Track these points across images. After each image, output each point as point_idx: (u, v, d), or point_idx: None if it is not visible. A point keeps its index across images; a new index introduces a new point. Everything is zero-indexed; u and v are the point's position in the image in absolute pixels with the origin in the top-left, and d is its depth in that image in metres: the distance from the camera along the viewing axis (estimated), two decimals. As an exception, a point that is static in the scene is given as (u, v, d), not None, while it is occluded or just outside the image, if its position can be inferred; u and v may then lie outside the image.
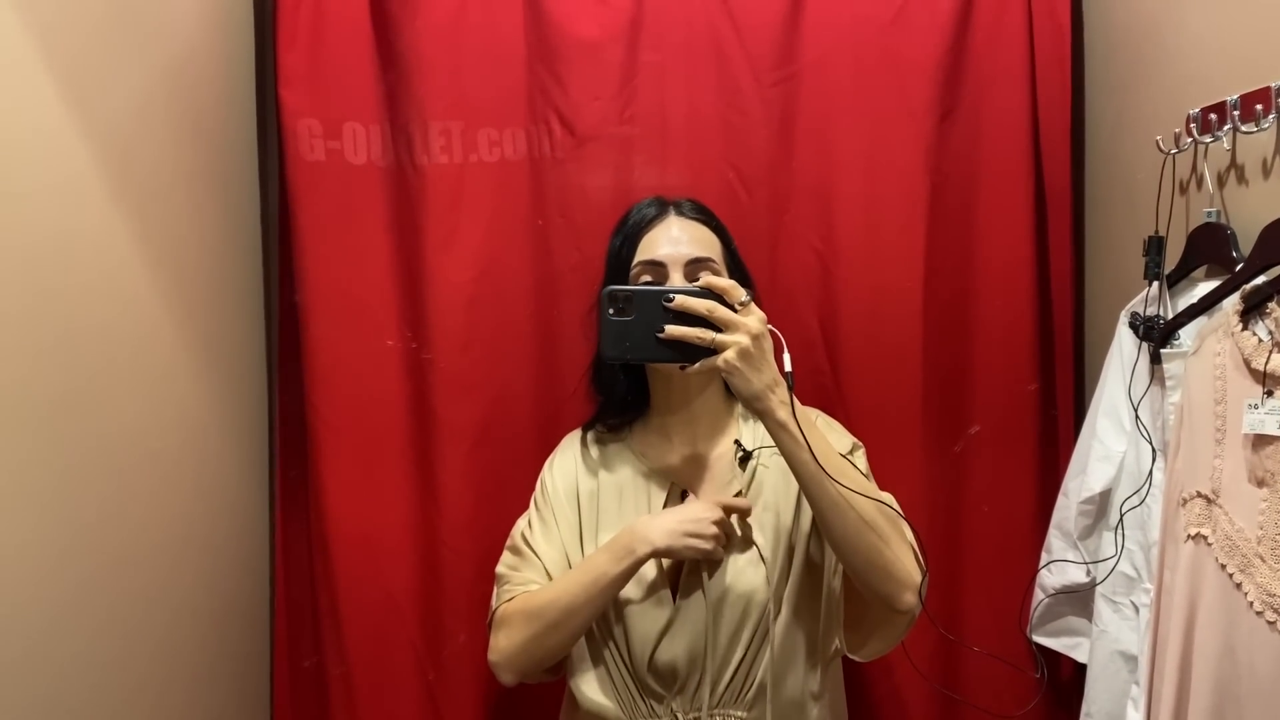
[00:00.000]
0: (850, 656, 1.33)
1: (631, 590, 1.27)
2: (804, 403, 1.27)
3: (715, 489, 1.34)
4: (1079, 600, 1.52)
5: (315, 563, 1.63)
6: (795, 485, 1.22)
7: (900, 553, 1.21)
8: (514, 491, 1.51)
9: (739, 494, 1.31)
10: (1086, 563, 1.47)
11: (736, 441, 1.35)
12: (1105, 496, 1.44)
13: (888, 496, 1.26)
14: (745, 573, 1.28)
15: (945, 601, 1.64)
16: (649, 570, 1.27)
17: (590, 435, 1.42)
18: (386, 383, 1.61)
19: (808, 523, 1.30)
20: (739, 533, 1.30)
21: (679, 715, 1.28)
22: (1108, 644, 1.42)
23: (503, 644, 1.31)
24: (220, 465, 1.48)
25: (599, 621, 1.29)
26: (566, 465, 1.40)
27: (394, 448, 1.61)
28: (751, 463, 1.33)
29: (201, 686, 1.39)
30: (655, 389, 1.38)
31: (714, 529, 1.24)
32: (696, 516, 1.25)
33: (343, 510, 1.60)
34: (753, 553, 1.29)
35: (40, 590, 1.04)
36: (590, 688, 1.30)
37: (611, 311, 1.17)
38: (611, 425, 1.41)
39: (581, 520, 1.35)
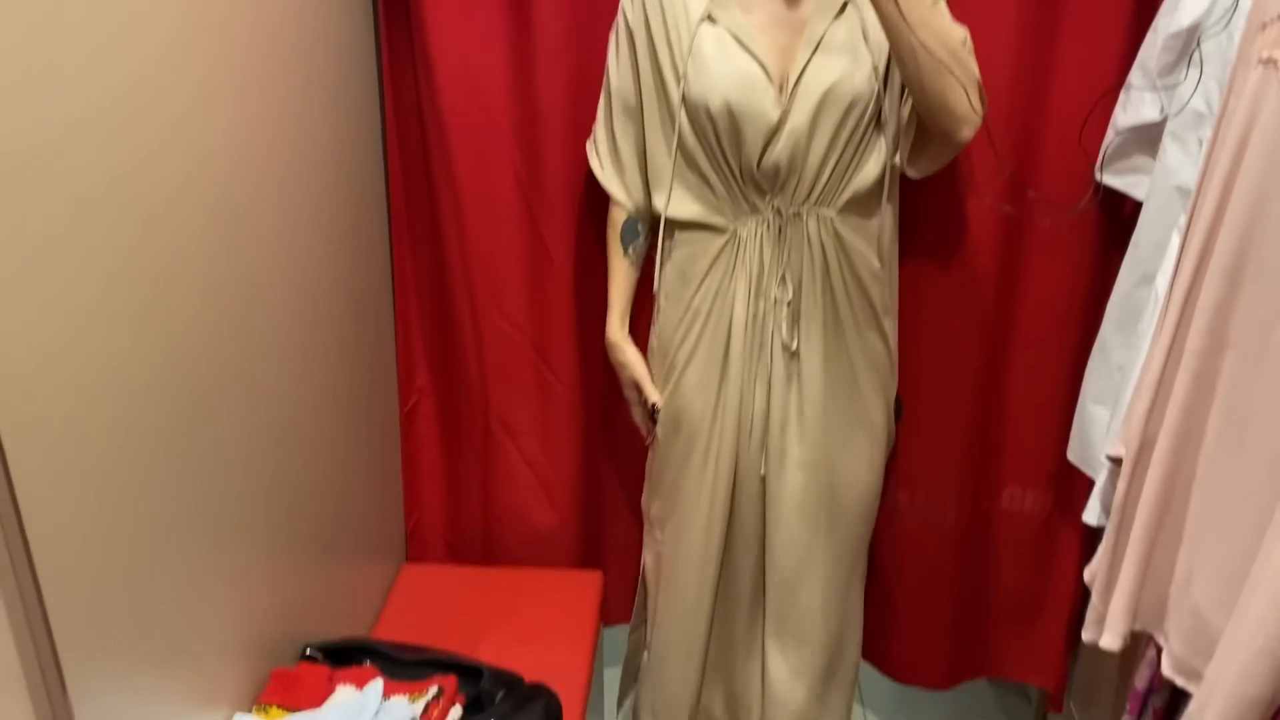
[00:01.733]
0: (905, 172, 1.55)
1: (740, 93, 1.46)
2: None
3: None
4: (1148, 140, 1.55)
5: (422, 93, 1.74)
6: None
7: (966, 92, 1.43)
8: (603, 22, 1.60)
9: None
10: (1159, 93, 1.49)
11: None
12: (1193, 31, 1.43)
13: (961, 34, 1.43)
14: (853, 76, 1.46)
15: (1019, 141, 1.69)
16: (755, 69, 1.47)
17: None
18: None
19: None
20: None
21: (780, 211, 1.51)
22: (1168, 179, 1.48)
23: None
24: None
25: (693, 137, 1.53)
26: None
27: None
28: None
29: (325, 208, 1.57)
30: None
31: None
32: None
33: (445, 42, 1.69)
34: (858, 57, 1.47)
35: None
36: (683, 207, 1.56)
37: None
38: None
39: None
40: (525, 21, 1.69)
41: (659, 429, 1.70)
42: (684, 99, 1.50)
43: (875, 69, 1.47)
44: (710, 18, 1.48)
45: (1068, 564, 1.95)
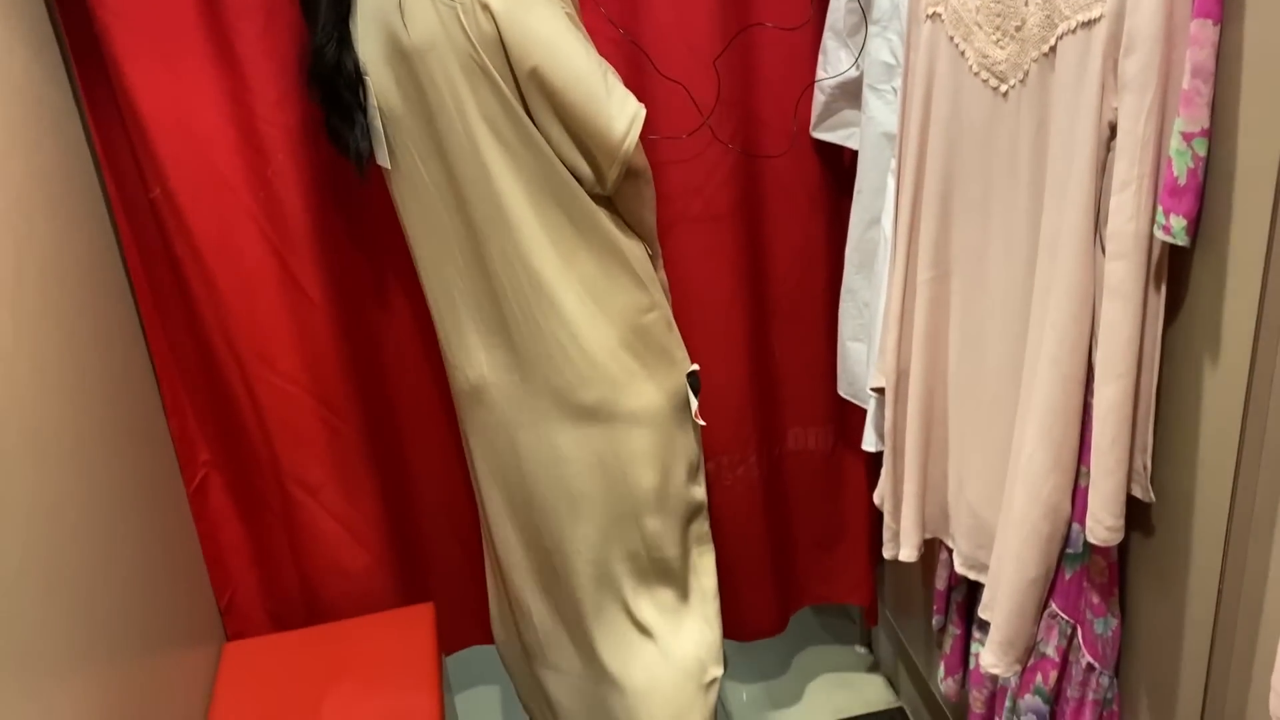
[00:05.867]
0: None
1: None
2: None
3: None
4: (851, 95, 1.69)
5: (142, 164, 1.66)
6: None
7: None
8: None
9: None
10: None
11: None
12: (868, -6, 1.57)
13: None
14: None
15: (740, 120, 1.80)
16: None
17: None
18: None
19: None
20: None
21: None
22: (875, 128, 1.62)
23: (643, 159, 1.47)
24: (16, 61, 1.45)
25: None
26: None
27: (186, 23, 1.60)
28: None
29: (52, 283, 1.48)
30: None
31: None
32: None
33: (155, 105, 1.62)
34: None
35: None
36: None
37: None
38: None
39: None
40: (232, 63, 1.63)
41: None
42: None
43: None
44: None
45: (858, 489, 2.11)
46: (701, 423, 1.63)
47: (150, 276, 1.74)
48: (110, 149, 1.67)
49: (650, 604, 1.64)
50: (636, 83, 1.71)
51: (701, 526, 1.68)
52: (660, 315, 1.57)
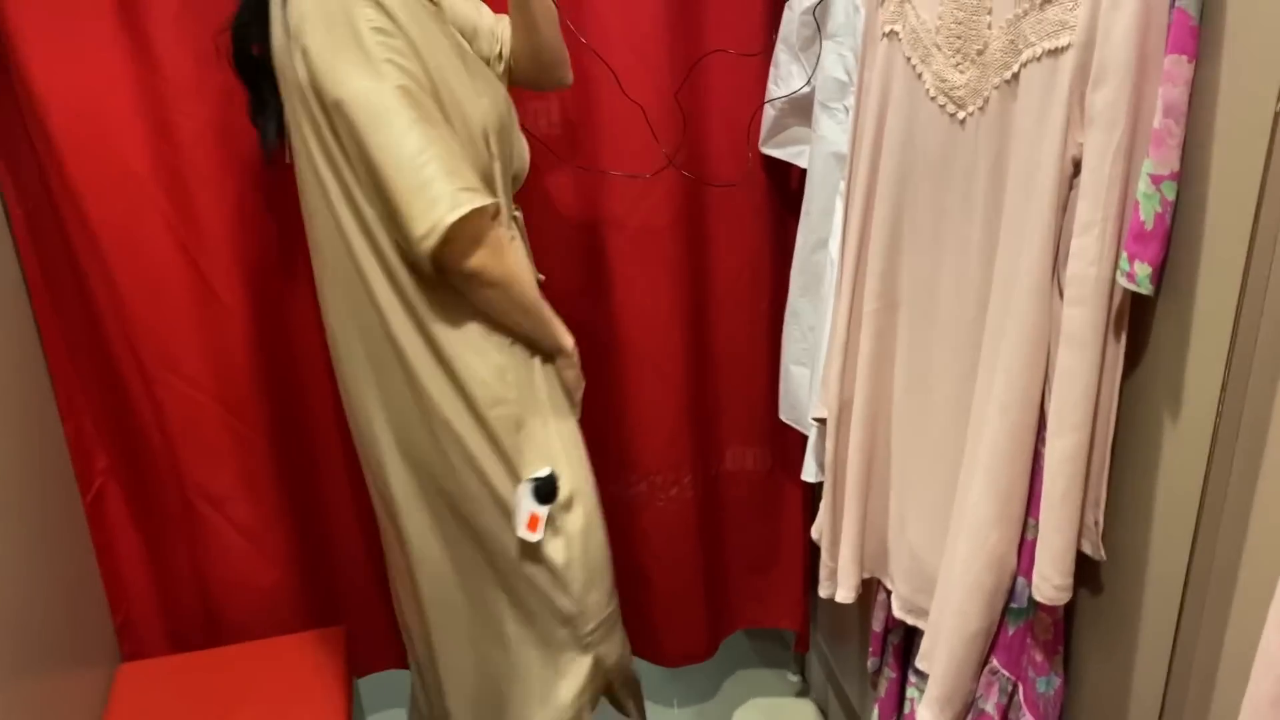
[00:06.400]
0: None
1: None
2: None
3: None
4: (802, 111, 1.62)
5: (39, 152, 1.54)
6: None
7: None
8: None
9: None
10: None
11: None
12: (824, 6, 1.50)
13: None
14: None
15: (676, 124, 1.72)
16: None
17: None
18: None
19: None
20: None
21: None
22: (825, 147, 1.55)
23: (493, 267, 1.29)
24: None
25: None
26: None
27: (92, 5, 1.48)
28: None
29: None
30: None
31: None
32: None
33: (54, 91, 1.50)
34: None
35: None
36: None
37: None
38: None
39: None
40: (143, 49, 1.52)
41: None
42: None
43: None
44: None
45: (794, 512, 2.05)
46: (532, 536, 1.37)
47: (46, 270, 1.62)
48: (4, 131, 1.54)
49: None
50: (593, 108, 1.65)
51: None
52: (508, 413, 1.36)
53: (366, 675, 1.97)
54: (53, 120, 1.51)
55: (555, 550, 1.40)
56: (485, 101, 1.32)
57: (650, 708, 1.77)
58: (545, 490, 1.37)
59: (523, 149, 1.45)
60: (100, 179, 1.56)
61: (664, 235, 1.76)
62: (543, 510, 1.36)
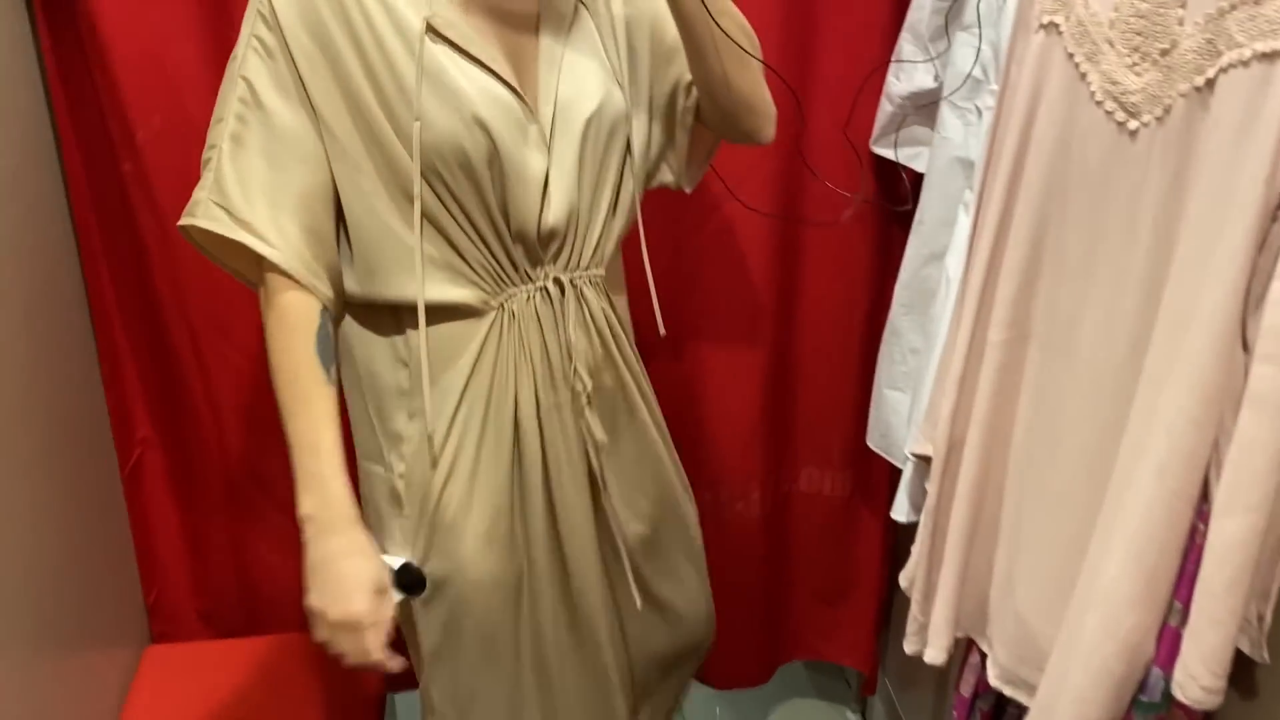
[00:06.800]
0: (683, 189, 1.31)
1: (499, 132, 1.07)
2: None
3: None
4: (925, 109, 1.46)
5: (102, 97, 1.44)
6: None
7: (764, 85, 1.21)
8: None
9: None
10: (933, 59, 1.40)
11: None
12: (963, -9, 1.34)
13: (747, 24, 1.18)
14: (612, 95, 1.15)
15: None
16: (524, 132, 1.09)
17: None
18: None
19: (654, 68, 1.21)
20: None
21: (557, 280, 1.15)
22: (948, 151, 1.40)
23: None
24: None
25: (446, 208, 1.09)
26: None
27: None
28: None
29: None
30: None
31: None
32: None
33: (121, 37, 1.40)
34: (606, 70, 1.16)
35: None
36: (440, 289, 1.11)
37: None
38: None
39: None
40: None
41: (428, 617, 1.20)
42: (421, 144, 1.05)
43: (622, 84, 1.16)
44: (432, 28, 1.04)
45: (871, 547, 1.90)
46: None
47: (102, 224, 1.52)
48: (66, 73, 1.45)
49: None
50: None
51: None
52: (382, 481, 1.18)
53: (404, 691, 1.85)
54: (117, 65, 1.42)
55: None
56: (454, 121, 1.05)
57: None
58: (408, 578, 1.15)
59: (554, 204, 1.13)
60: (162, 128, 1.46)
61: (760, 223, 1.62)
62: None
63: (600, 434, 1.19)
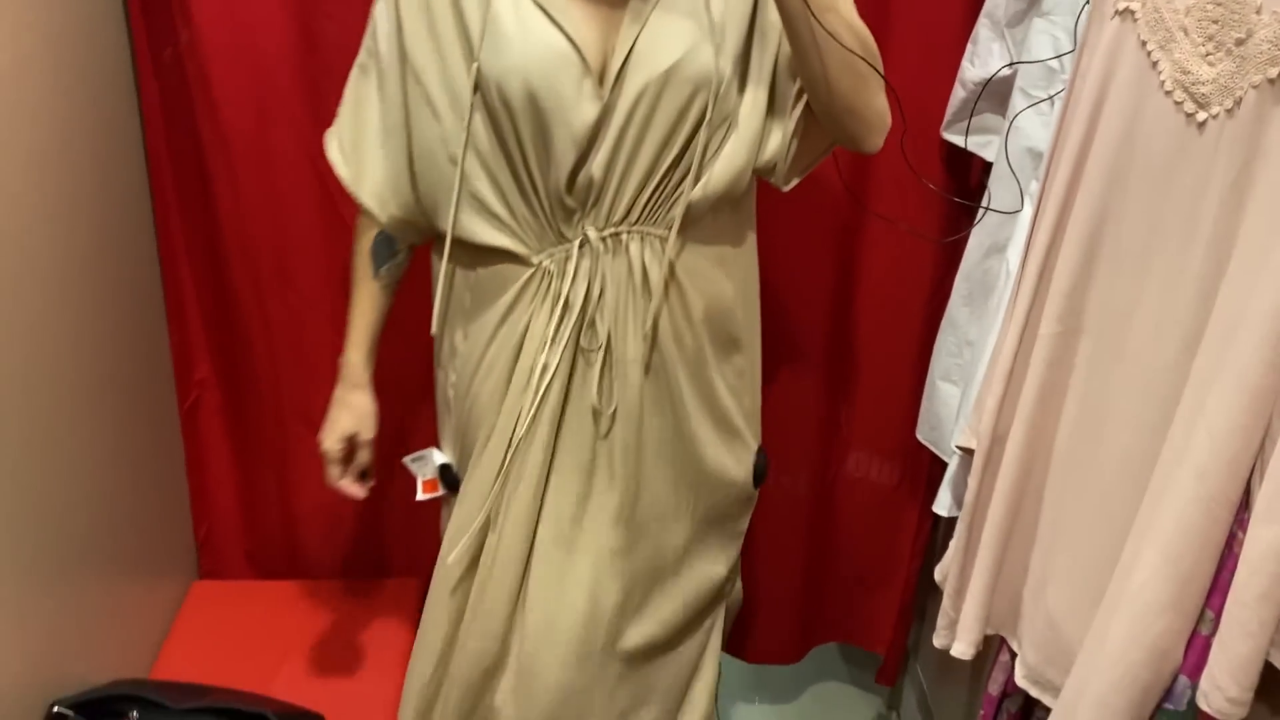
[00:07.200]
0: (781, 188, 1.28)
1: (545, 80, 1.11)
2: None
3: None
4: (998, 96, 1.43)
5: (179, 34, 1.48)
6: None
7: (877, 94, 1.17)
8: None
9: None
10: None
11: None
12: (1043, -26, 1.30)
13: (861, 27, 1.13)
14: (697, 53, 1.13)
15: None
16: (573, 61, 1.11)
17: None
18: None
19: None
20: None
21: (589, 236, 1.18)
22: (1019, 140, 1.36)
23: None
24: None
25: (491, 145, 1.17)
26: None
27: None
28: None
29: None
30: None
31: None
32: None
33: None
34: (701, 30, 1.13)
35: None
36: (474, 227, 1.20)
37: None
38: None
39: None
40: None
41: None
42: (477, 84, 1.13)
43: (719, 49, 1.13)
44: None
45: (906, 537, 1.87)
46: (424, 496, 1.38)
47: (174, 162, 1.57)
48: (152, 23, 1.49)
49: None
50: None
51: None
52: (442, 387, 1.37)
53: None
54: (200, 17, 1.45)
55: None
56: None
57: (730, 703, 1.64)
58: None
59: (599, 156, 1.15)
60: (237, 76, 1.50)
61: (825, 202, 1.61)
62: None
63: (597, 401, 1.23)
